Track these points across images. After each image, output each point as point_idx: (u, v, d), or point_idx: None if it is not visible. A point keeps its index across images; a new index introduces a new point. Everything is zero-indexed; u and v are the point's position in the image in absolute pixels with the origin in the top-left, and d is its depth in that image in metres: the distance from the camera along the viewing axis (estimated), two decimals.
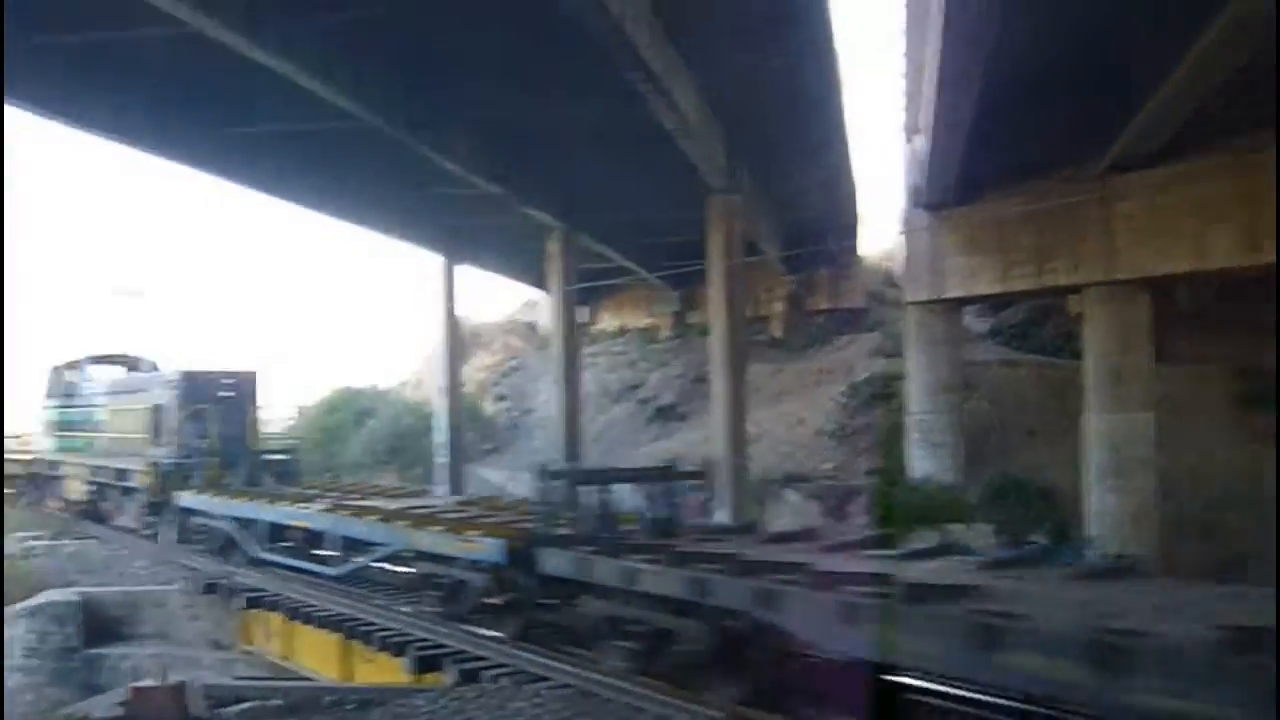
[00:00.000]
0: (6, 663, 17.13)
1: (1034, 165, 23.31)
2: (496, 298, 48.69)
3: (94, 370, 27.01)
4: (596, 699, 9.86)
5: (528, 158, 22.95)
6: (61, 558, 21.02)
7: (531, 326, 45.67)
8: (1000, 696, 7.65)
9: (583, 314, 35.89)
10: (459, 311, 34.85)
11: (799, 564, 9.29)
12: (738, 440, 22.64)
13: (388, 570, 16.02)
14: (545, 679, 10.71)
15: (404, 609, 14.39)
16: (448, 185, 23.53)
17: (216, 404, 22.17)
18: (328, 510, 16.67)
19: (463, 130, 20.21)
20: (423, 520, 14.48)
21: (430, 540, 13.69)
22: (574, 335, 28.19)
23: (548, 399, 32.55)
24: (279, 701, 10.28)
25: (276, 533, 17.90)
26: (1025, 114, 18.94)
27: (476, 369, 43.27)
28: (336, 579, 16.00)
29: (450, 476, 32.06)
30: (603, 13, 13.26)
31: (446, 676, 11.64)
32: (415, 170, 22.73)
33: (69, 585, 18.82)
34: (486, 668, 11.40)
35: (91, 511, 25.07)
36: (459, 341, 35.29)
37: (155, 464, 21.70)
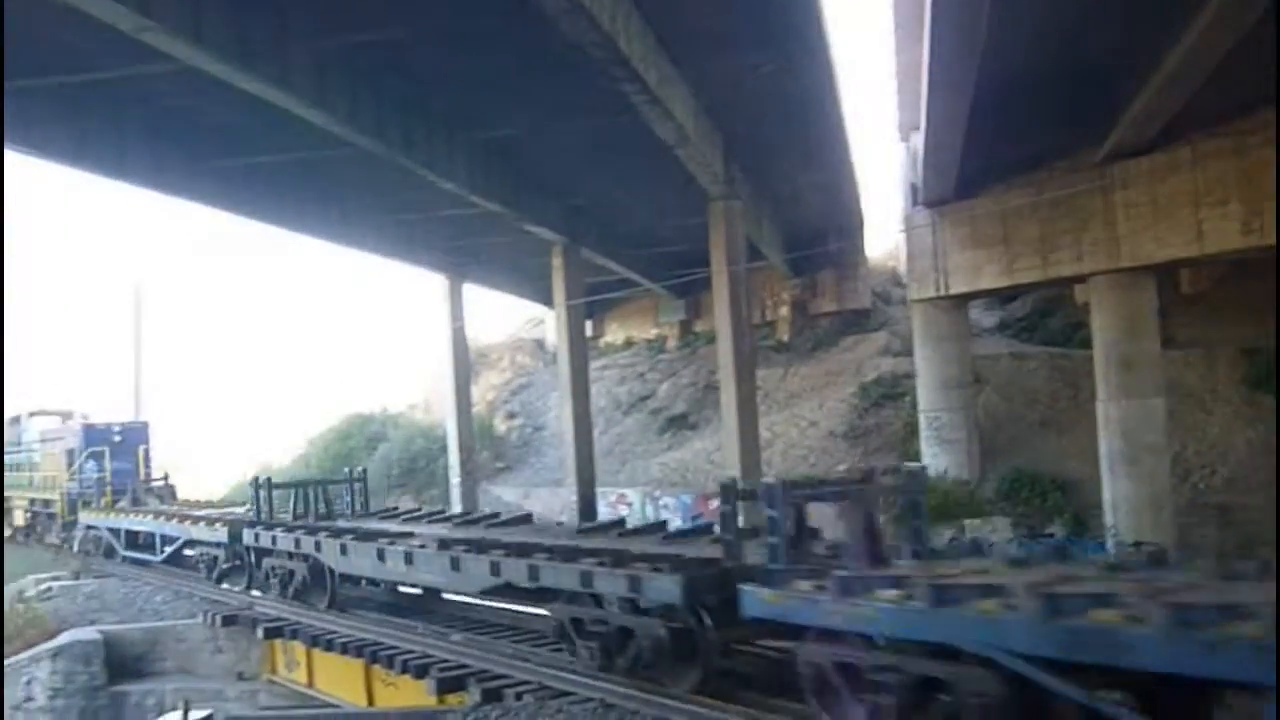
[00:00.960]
0: (32, 704, 17.19)
1: (1033, 157, 23.35)
2: (502, 316, 48.81)
3: (31, 422, 32.75)
4: (620, 710, 9.86)
5: (527, 175, 23.00)
6: (80, 597, 21.07)
7: (539, 343, 45.75)
8: None
9: (590, 327, 35.90)
10: (466, 331, 34.92)
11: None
12: (750, 446, 22.62)
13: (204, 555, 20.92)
14: (570, 694, 10.71)
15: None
16: (449, 206, 23.61)
17: (111, 447, 27.70)
18: (154, 518, 22.85)
19: (461, 151, 20.26)
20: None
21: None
22: (581, 349, 28.20)
23: (558, 415, 32.58)
24: None
25: (132, 537, 23.76)
26: (1021, 107, 18.95)
27: (486, 388, 43.33)
28: (158, 563, 22.40)
29: (464, 496, 32.11)
30: (594, 27, 13.29)
31: (469, 696, 11.64)
32: (416, 193, 22.79)
33: (90, 624, 18.85)
34: (509, 686, 11.41)
35: (30, 532, 31.20)
36: (467, 361, 35.36)
37: (64, 493, 28.17)
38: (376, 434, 41.93)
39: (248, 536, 18.28)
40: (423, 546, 14.03)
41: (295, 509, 19.15)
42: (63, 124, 17.35)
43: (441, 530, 15.62)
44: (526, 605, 14.28)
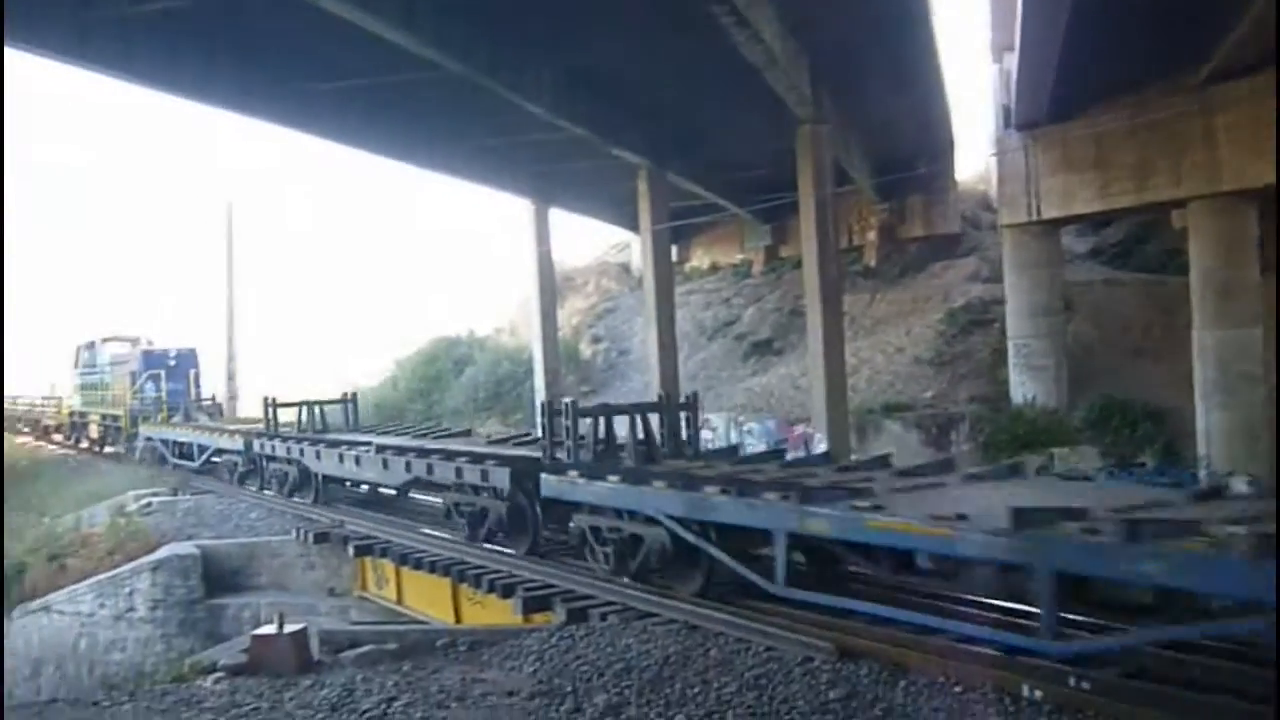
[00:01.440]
0: (134, 615, 17.77)
1: (1130, 78, 22.69)
2: (588, 240, 48.89)
3: (105, 347, 35.63)
4: (703, 631, 9.96)
5: (614, 98, 22.88)
6: (178, 513, 21.64)
7: (624, 267, 45.79)
8: None
9: (675, 252, 35.79)
10: (551, 255, 35.01)
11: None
12: (835, 372, 22.51)
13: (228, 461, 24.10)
14: (653, 614, 10.82)
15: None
16: (535, 130, 23.57)
17: (167, 370, 32.12)
18: (194, 430, 26.71)
19: (548, 74, 20.20)
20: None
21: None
22: (667, 274, 28.16)
23: (643, 339, 32.65)
24: (393, 645, 10.52)
25: (178, 446, 27.16)
26: (1119, 25, 18.41)
27: (571, 312, 43.52)
28: (195, 471, 25.56)
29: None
30: None
31: (555, 615, 11.81)
32: (502, 117, 22.79)
33: (188, 539, 19.37)
34: (594, 606, 11.55)
35: (101, 444, 34.92)
36: (553, 285, 35.48)
37: (128, 410, 31.71)
38: (463, 357, 42.32)
39: (256, 445, 22.32)
40: (365, 451, 17.77)
41: (299, 423, 22.14)
42: (156, 48, 17.54)
43: (400, 440, 18.47)
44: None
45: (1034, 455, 22.84)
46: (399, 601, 16.22)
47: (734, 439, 28.02)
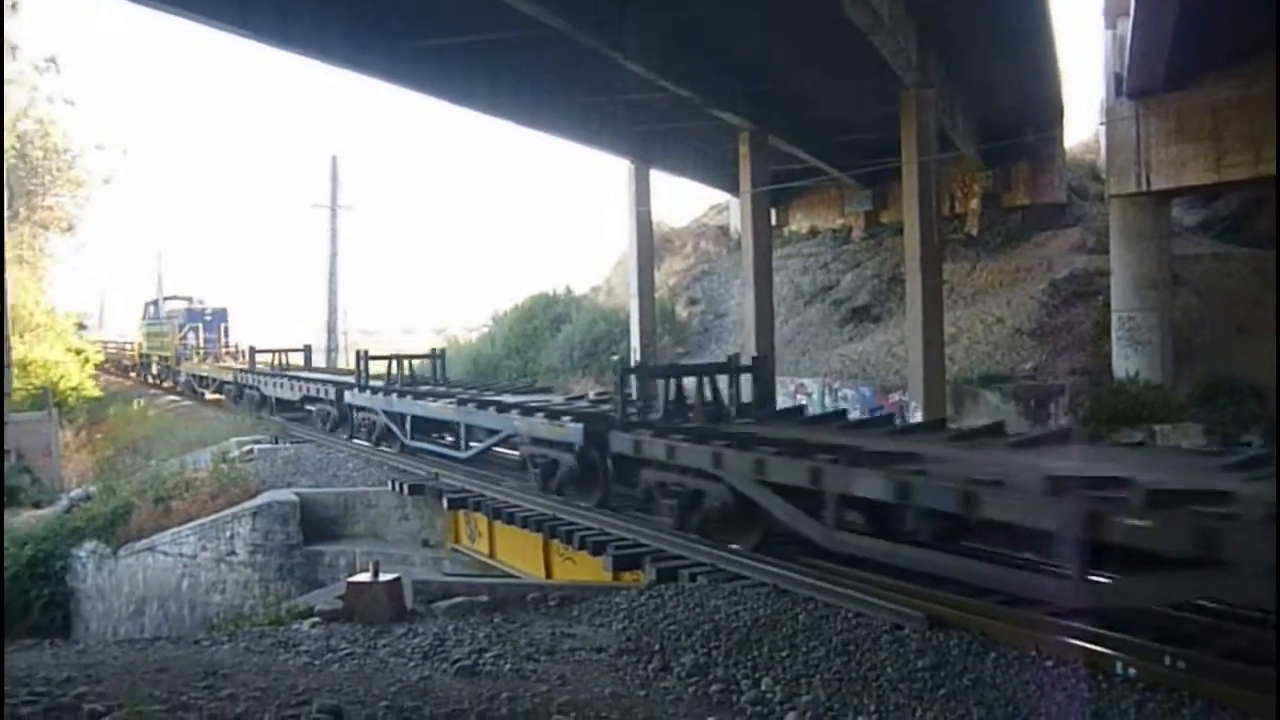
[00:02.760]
0: (234, 558, 18.23)
1: (1249, 45, 21.99)
2: (686, 201, 48.81)
3: (166, 304, 46.58)
4: (792, 596, 9.97)
5: (716, 58, 22.74)
6: (278, 460, 22.11)
7: (722, 230, 45.60)
8: None
9: (774, 216, 35.58)
10: (650, 216, 34.98)
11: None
12: (934, 340, 22.27)
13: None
14: (743, 577, 10.85)
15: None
16: (637, 90, 23.50)
17: (204, 323, 41.96)
18: (210, 367, 37.64)
19: (652, 33, 20.11)
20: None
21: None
22: (765, 237, 27.99)
23: (740, 302, 32.54)
24: (485, 597, 10.67)
25: (208, 381, 36.81)
26: None
27: (668, 273, 43.49)
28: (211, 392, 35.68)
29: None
30: None
31: (645, 575, 11.89)
32: (603, 76, 22.78)
33: (288, 486, 19.79)
34: (684, 566, 11.62)
35: (160, 378, 45.28)
36: (650, 246, 35.47)
37: (175, 352, 42.44)
38: (560, 315, 42.52)
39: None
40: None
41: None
42: (270, 4, 17.78)
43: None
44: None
45: (1135, 430, 22.46)
46: (491, 555, 16.45)
47: (829, 404, 27.92)
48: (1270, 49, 21.73)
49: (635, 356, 33.03)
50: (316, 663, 8.09)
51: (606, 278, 46.66)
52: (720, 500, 11.83)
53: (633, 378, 15.72)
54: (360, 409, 23.09)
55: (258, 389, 30.62)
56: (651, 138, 32.00)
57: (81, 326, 51.64)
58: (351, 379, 24.26)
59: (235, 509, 18.79)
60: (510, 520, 15.33)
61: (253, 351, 32.95)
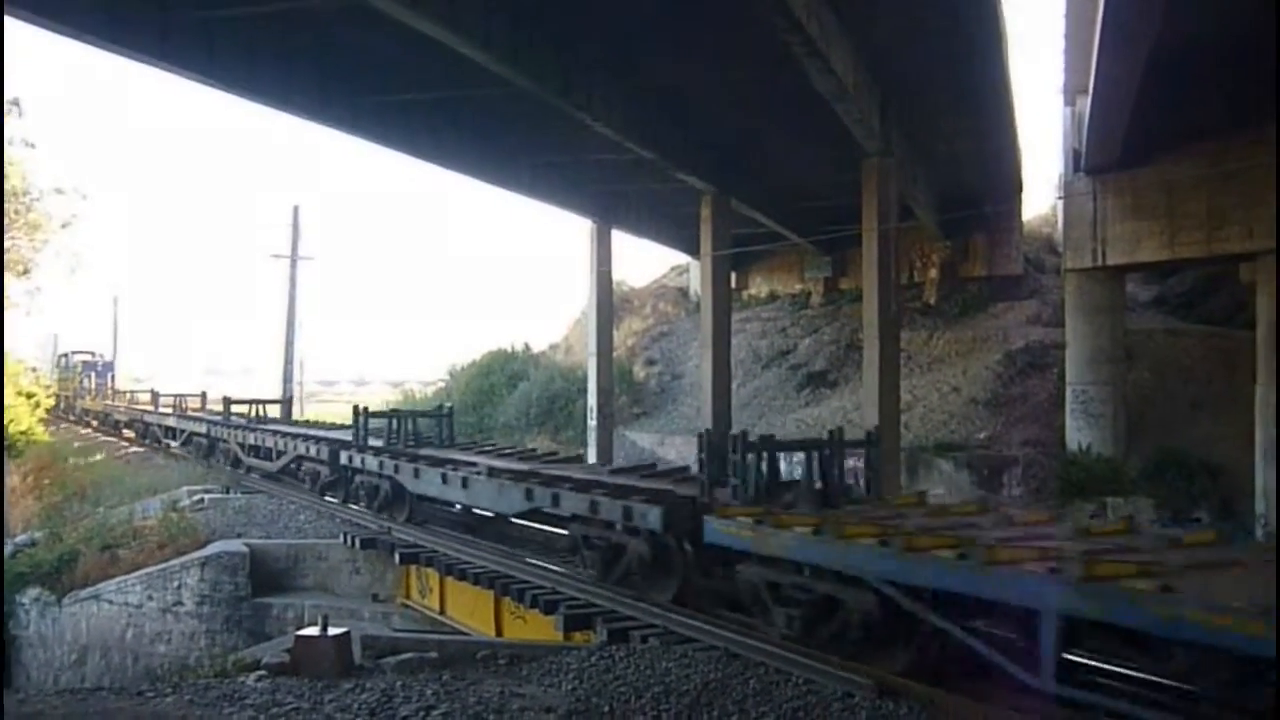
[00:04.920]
0: (181, 609, 17.97)
1: (1206, 126, 22.43)
2: (647, 262, 49.02)
3: (73, 356, 58.37)
4: (743, 660, 9.92)
5: (681, 122, 22.93)
6: (229, 510, 21.86)
7: (682, 291, 45.80)
8: None
9: (733, 279, 35.77)
10: (611, 276, 35.08)
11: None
12: (889, 408, 22.38)
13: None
14: (694, 640, 10.79)
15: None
16: (601, 150, 23.65)
17: (95, 371, 55.86)
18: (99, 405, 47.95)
19: (618, 96, 20.27)
20: None
21: None
22: (725, 300, 28.13)
23: (698, 364, 32.63)
24: (434, 654, 10.57)
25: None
26: (1197, 72, 18.24)
27: (627, 333, 43.59)
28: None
29: (599, 439, 32.39)
30: None
31: (597, 635, 11.80)
32: (569, 136, 22.90)
33: (238, 537, 19.56)
34: (635, 627, 11.55)
35: (68, 415, 53.31)
36: (610, 306, 35.53)
37: (73, 392, 54.45)
38: (518, 372, 42.48)
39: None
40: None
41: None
42: (237, 52, 17.76)
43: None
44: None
45: (1087, 502, 22.62)
46: (442, 611, 16.32)
47: (784, 468, 27.89)
48: (1226, 131, 22.21)
49: (592, 417, 32.99)
50: (261, 717, 7.97)
51: (565, 335, 46.72)
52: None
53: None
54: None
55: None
56: (614, 198, 32.14)
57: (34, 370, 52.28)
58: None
59: (184, 559, 18.55)
60: (462, 576, 15.23)
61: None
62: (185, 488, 24.74)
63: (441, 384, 47.00)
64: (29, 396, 40.50)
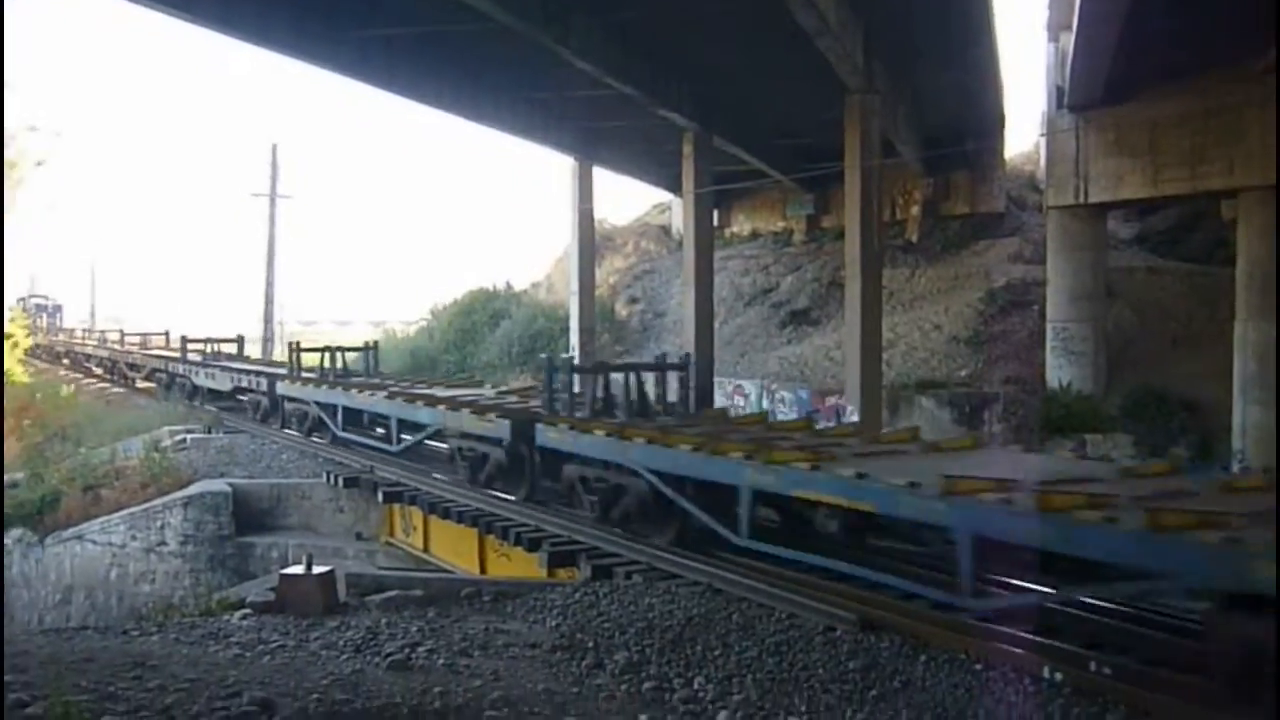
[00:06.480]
0: (165, 548, 18.00)
1: (1190, 63, 22.33)
2: (630, 200, 48.84)
3: (29, 300, 61.91)
4: (726, 596, 10.01)
5: (663, 59, 22.74)
6: (211, 450, 21.86)
7: (665, 229, 45.66)
8: None
9: (716, 217, 35.69)
10: (593, 214, 34.95)
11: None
12: (871, 345, 22.42)
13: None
14: (678, 576, 10.88)
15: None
16: (582, 87, 23.44)
17: (47, 313, 62.42)
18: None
19: (599, 31, 20.08)
20: None
21: None
22: (707, 238, 28.05)
23: (680, 302, 32.61)
24: (419, 592, 10.62)
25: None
26: (1182, 7, 18.13)
27: (609, 272, 43.49)
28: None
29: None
30: None
31: (580, 572, 11.89)
32: (550, 72, 22.73)
33: (221, 476, 19.57)
34: (619, 564, 11.63)
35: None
36: (592, 244, 35.43)
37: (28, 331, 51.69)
38: (499, 311, 42.39)
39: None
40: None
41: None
42: None
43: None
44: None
45: (1067, 439, 22.77)
46: (426, 550, 16.40)
47: (766, 406, 28.02)
48: (1209, 68, 22.14)
49: (575, 353, 32.98)
50: (247, 655, 7.99)
51: (548, 274, 46.56)
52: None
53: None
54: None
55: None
56: (596, 135, 31.96)
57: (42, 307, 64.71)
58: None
59: (166, 498, 18.59)
60: (446, 515, 15.29)
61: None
62: (167, 428, 24.72)
63: (424, 323, 46.88)
64: (8, 338, 40.45)
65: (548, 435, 13.98)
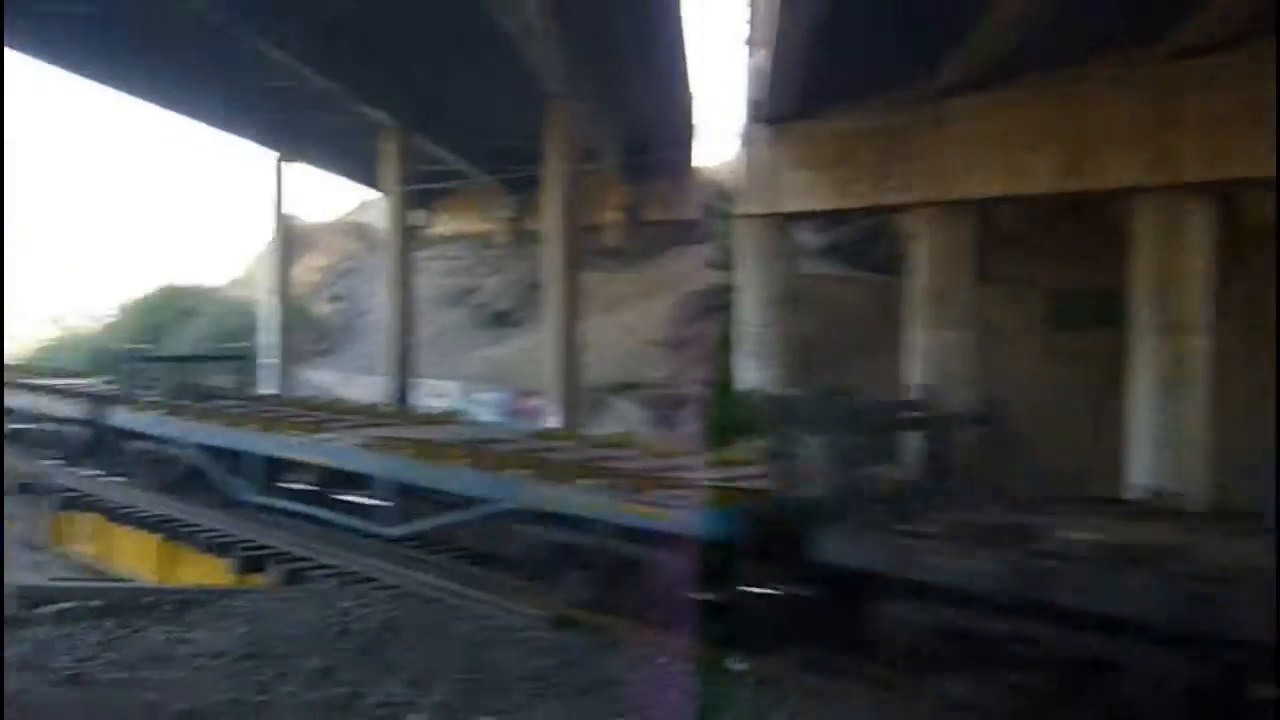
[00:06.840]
0: None
1: (875, 82, 23.55)
2: (335, 198, 47.79)
3: None
4: (420, 597, 9.99)
5: (366, 55, 22.45)
6: None
7: (369, 228, 44.88)
8: None
9: (420, 217, 35.39)
10: (291, 210, 34.07)
11: None
12: (570, 347, 22.73)
13: None
14: (373, 579, 10.79)
15: None
16: (281, 78, 22.86)
17: None
18: None
19: (298, 23, 19.63)
20: None
21: None
22: (408, 238, 27.82)
23: (383, 302, 32.17)
24: (97, 602, 10.13)
25: None
26: (868, 29, 19.10)
27: (309, 269, 42.41)
28: None
29: (279, 378, 31.56)
30: None
31: (271, 577, 11.62)
32: (247, 62, 22.01)
33: None
34: (311, 569, 11.44)
35: None
36: (290, 241, 34.52)
37: None
38: (190, 308, 40.79)
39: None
40: None
41: None
42: None
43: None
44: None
45: (751, 439, 23.61)
46: (105, 558, 15.62)
47: (466, 407, 27.99)
48: (894, 87, 23.42)
49: (270, 355, 32.09)
50: None
51: (249, 270, 45.04)
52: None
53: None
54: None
55: None
56: (298, 129, 31.14)
57: None
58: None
59: None
60: (126, 521, 14.64)
61: None
62: None
63: (111, 319, 44.56)
64: None
65: (118, 415, 17.65)
